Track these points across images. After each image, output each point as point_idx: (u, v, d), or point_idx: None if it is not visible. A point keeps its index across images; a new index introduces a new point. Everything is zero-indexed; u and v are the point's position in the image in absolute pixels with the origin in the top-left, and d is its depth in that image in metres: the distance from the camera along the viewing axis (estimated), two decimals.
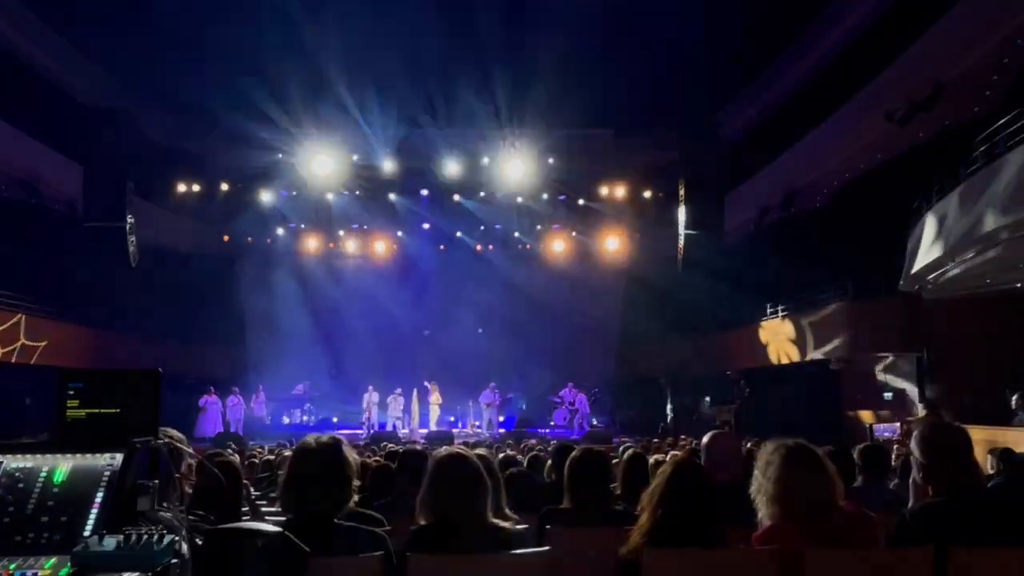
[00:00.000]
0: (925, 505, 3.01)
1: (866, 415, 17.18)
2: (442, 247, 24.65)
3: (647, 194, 22.53)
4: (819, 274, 17.83)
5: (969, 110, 14.60)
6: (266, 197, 22.22)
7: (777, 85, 20.21)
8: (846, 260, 17.04)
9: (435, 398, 20.24)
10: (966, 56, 13.77)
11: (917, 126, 15.27)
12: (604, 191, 22.39)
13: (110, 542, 1.50)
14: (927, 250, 13.64)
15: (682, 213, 21.65)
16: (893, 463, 5.91)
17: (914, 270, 14.37)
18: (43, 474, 1.76)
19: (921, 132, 15.64)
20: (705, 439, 4.25)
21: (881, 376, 17.81)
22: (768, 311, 20.12)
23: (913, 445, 3.07)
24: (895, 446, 8.75)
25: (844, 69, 17.52)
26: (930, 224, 13.64)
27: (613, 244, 23.65)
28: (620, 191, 22.28)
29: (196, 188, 21.46)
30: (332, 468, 2.91)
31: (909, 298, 15.77)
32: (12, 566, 1.54)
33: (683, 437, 12.29)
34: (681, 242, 21.68)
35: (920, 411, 13.79)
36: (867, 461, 4.87)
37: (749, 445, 6.56)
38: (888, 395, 17.41)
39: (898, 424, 14.15)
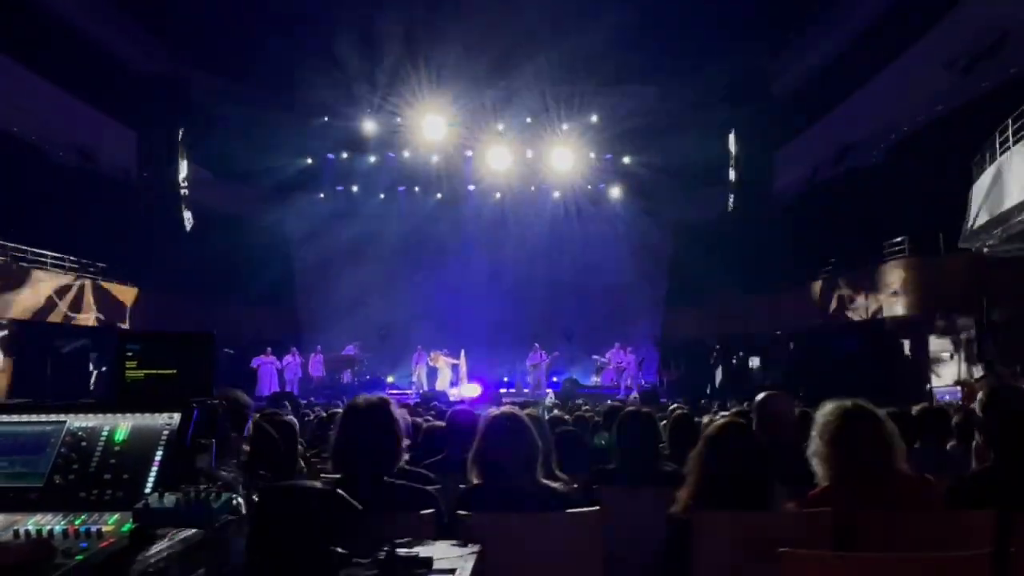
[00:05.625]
0: (985, 468, 2.94)
1: (924, 376, 16.79)
2: (490, 203, 24.67)
3: (695, 152, 22.08)
4: (874, 231, 17.31)
5: None
6: (315, 159, 22.42)
7: (831, 36, 19.45)
8: (903, 217, 16.50)
9: (441, 363, 20.41)
10: None
11: (980, 75, 14.62)
12: (651, 149, 22.02)
13: (170, 499, 1.53)
14: (990, 204, 13.13)
15: (731, 171, 21.18)
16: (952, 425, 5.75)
17: (976, 226, 13.86)
18: (105, 433, 1.81)
19: (984, 81, 14.96)
20: (757, 400, 4.20)
21: (939, 336, 17.34)
22: (821, 270, 19.67)
23: (977, 407, 2.98)
24: (955, 408, 8.53)
25: (902, 16, 16.77)
26: (993, 177, 13.10)
27: (660, 203, 23.33)
28: (667, 149, 21.87)
29: (245, 151, 21.68)
30: (381, 427, 2.95)
31: (969, 256, 15.25)
32: (78, 521, 1.59)
33: (731, 400, 12.17)
34: (730, 201, 21.25)
35: (979, 371, 13.40)
36: (925, 423, 4.76)
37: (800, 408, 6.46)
38: (946, 355, 16.96)
39: (958, 386, 13.81)
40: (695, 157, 21.66)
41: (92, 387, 16.68)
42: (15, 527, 1.56)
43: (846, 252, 18.58)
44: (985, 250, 14.90)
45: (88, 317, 17.02)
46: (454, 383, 20.33)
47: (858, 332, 18.49)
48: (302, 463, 4.15)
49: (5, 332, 15.14)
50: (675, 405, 9.51)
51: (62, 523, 1.57)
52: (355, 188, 24.03)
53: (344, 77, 19.76)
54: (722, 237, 21.06)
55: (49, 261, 16.13)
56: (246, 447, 3.16)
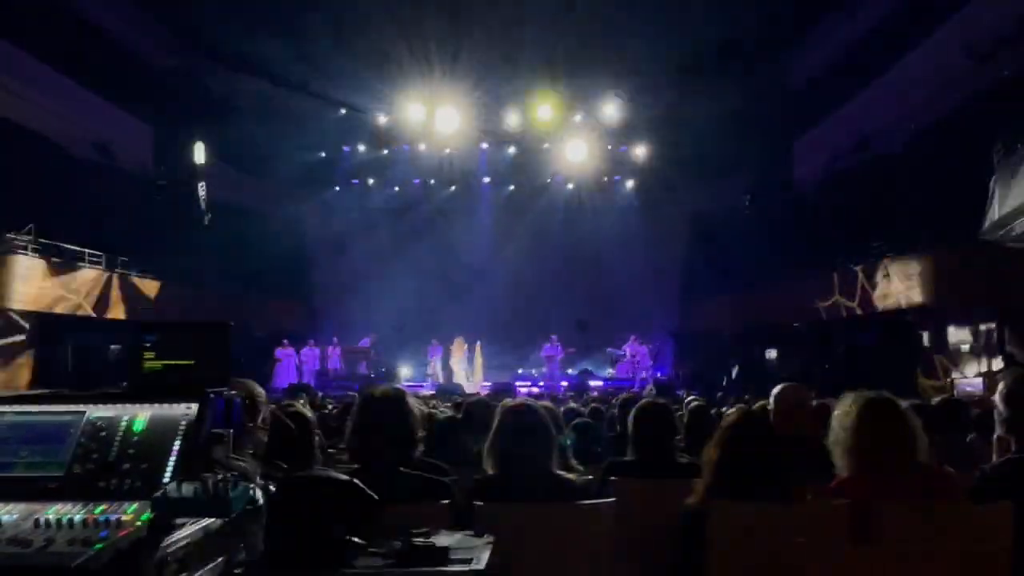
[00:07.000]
0: (1006, 460, 2.90)
1: (943, 368, 16.62)
2: (504, 195, 24.69)
3: (711, 142, 21.92)
4: (893, 222, 17.13)
5: None
6: (331, 152, 22.50)
7: (850, 23, 19.20)
8: (922, 207, 16.31)
9: (458, 354, 20.54)
10: None
11: (1001, 62, 14.40)
12: (667, 140, 21.89)
13: (188, 489, 1.54)
14: (1012, 194, 12.95)
15: (749, 160, 21.00)
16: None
17: (996, 217, 13.67)
18: (123, 423, 1.82)
19: (1006, 69, 14.73)
20: (774, 391, 4.18)
21: (958, 327, 17.15)
22: (839, 260, 19.49)
23: (997, 399, 2.95)
24: (975, 400, 8.44)
25: (923, 1, 16.55)
26: (1014, 167, 12.92)
27: (676, 194, 23.22)
28: (684, 139, 21.72)
29: (261, 144, 21.75)
30: (396, 418, 2.96)
31: (990, 247, 15.05)
32: (98, 510, 1.60)
33: (746, 396, 12.09)
34: (748, 191, 21.08)
35: (999, 363, 13.24)
36: (944, 415, 4.71)
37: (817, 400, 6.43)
38: (965, 347, 16.78)
39: (979, 379, 13.65)
40: (712, 147, 21.50)
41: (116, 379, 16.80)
42: (35, 516, 1.58)
43: (865, 243, 18.41)
44: (1005, 243, 14.70)
45: (115, 311, 17.18)
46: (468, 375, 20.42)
47: (876, 323, 18.32)
48: (319, 454, 4.18)
49: (29, 325, 15.28)
50: (691, 397, 9.48)
51: (81, 512, 1.59)
52: (371, 181, 24.12)
53: (359, 70, 19.76)
54: (739, 227, 20.90)
55: (74, 254, 16.28)
56: (262, 437, 3.19)
